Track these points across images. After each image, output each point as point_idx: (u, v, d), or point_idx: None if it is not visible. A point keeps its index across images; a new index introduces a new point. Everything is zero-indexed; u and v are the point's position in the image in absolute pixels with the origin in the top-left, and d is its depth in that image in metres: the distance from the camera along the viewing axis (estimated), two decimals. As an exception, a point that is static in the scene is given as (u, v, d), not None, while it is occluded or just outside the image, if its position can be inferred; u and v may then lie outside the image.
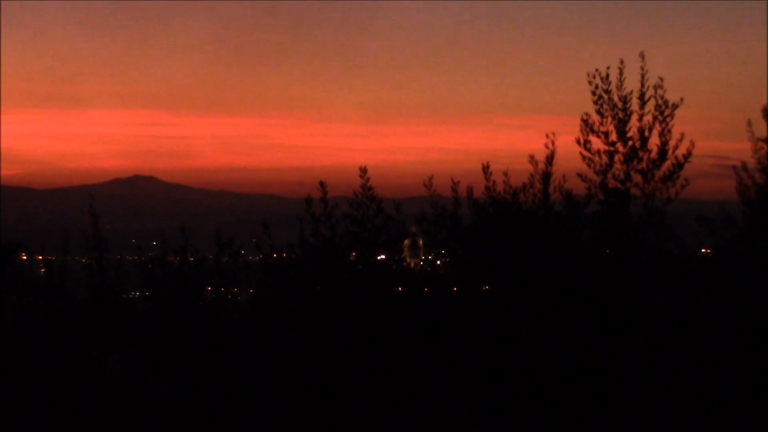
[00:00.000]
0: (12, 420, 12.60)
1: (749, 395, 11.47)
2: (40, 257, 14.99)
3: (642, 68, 12.89)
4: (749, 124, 12.51)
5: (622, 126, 12.88)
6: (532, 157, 13.20)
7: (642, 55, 12.92)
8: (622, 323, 12.37)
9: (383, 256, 13.56)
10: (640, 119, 12.87)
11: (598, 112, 12.94)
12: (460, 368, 12.45)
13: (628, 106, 12.89)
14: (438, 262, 13.92)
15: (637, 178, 12.87)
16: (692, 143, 12.86)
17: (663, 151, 12.79)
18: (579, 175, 13.12)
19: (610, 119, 12.91)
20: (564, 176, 13.23)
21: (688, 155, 12.75)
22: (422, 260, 14.10)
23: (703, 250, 13.76)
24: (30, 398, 12.94)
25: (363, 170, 13.24)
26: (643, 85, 12.87)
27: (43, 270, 14.73)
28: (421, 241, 14.09)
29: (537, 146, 13.36)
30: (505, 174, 13.36)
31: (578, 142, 13.07)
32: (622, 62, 13.09)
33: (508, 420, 11.51)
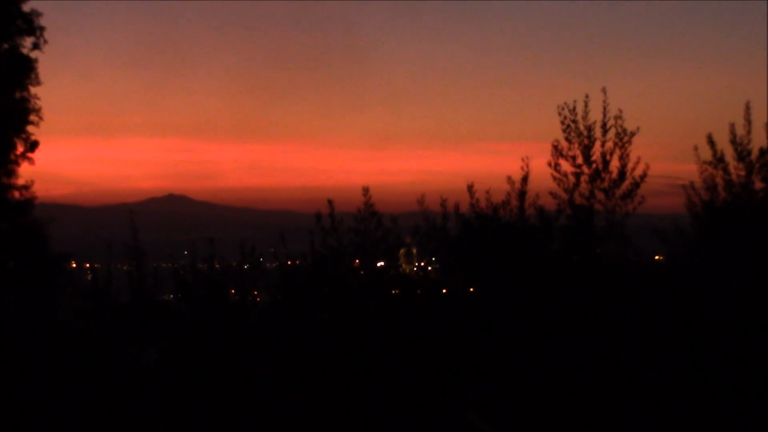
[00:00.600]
0: (65, 403, 12.92)
1: (695, 374, 12.06)
2: (88, 265, 15.30)
3: (604, 101, 13.60)
4: (696, 149, 13.31)
5: (587, 151, 13.53)
6: (509, 177, 13.87)
7: (604, 90, 13.55)
8: (587, 318, 12.91)
9: (382, 263, 14.10)
10: (603, 145, 13.55)
11: (567, 139, 13.65)
12: (450, 358, 12.94)
13: (592, 134, 13.57)
14: (429, 268, 14.63)
15: (600, 195, 13.49)
16: (647, 165, 13.52)
17: (622, 173, 13.45)
18: (550, 193, 13.74)
19: (576, 145, 13.59)
20: (537, 194, 13.87)
21: (643, 176, 13.42)
22: (416, 266, 14.71)
23: (657, 257, 14.56)
24: (80, 386, 13.39)
25: (365, 189, 13.88)
26: (605, 116, 13.56)
27: (90, 276, 15.10)
28: (414, 250, 14.52)
29: (514, 169, 13.98)
30: (487, 192, 13.94)
31: (549, 164, 13.73)
32: (587, 96, 13.73)
33: (487, 390, 12.02)
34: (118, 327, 14.48)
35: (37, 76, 12.73)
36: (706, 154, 13.32)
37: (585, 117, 13.70)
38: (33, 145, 13.14)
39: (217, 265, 14.56)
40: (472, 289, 14.12)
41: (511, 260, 13.84)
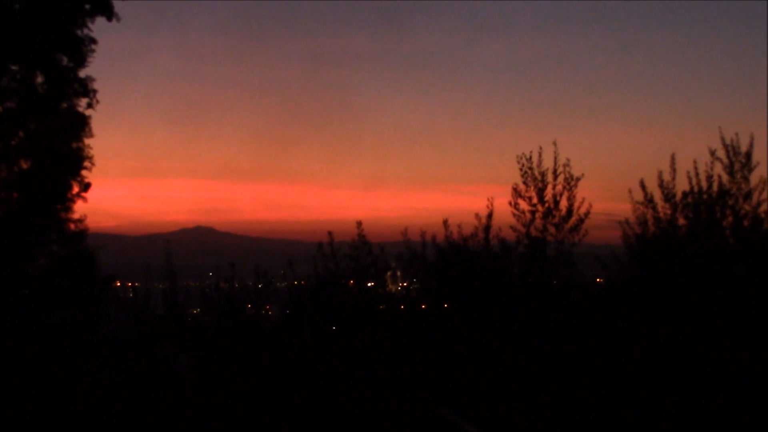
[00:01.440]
0: (111, 399, 13.06)
1: (627, 370, 12.76)
2: (130, 284, 15.80)
3: (555, 152, 14.32)
4: (630, 191, 13.91)
5: (540, 193, 14.25)
6: (477, 214, 14.54)
7: (554, 143, 14.15)
8: (541, 329, 13.57)
9: (372, 283, 14.70)
10: (554, 188, 14.26)
11: (524, 183, 14.33)
12: (427, 362, 13.57)
13: (545, 178, 14.28)
14: (411, 288, 15.14)
15: (552, 229, 14.22)
16: (590, 204, 14.27)
17: (570, 211, 14.20)
18: (510, 227, 14.39)
19: (532, 188, 14.31)
20: (500, 228, 14.54)
21: (587, 213, 14.17)
22: (400, 286, 15.14)
23: (598, 279, 15.18)
24: (124, 385, 13.73)
25: (358, 223, 14.51)
26: (555, 164, 14.26)
27: (132, 294, 15.40)
28: (399, 273, 15.01)
29: (480, 206, 14.64)
30: (458, 226, 14.64)
31: (510, 203, 14.40)
32: (540, 148, 14.34)
33: (458, 388, 12.47)
34: (155, 335, 14.89)
35: (90, 130, 13.24)
36: (639, 195, 13.90)
37: (539, 165, 14.41)
38: (86, 186, 13.45)
39: (236, 285, 14.96)
40: (446, 305, 14.72)
41: (478, 282, 14.43)
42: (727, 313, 13.10)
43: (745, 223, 13.56)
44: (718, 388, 12.19)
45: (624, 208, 14.36)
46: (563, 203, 14.38)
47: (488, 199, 14.72)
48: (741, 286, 13.33)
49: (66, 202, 13.40)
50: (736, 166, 13.51)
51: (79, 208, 13.61)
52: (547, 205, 14.41)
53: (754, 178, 13.58)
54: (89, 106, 13.36)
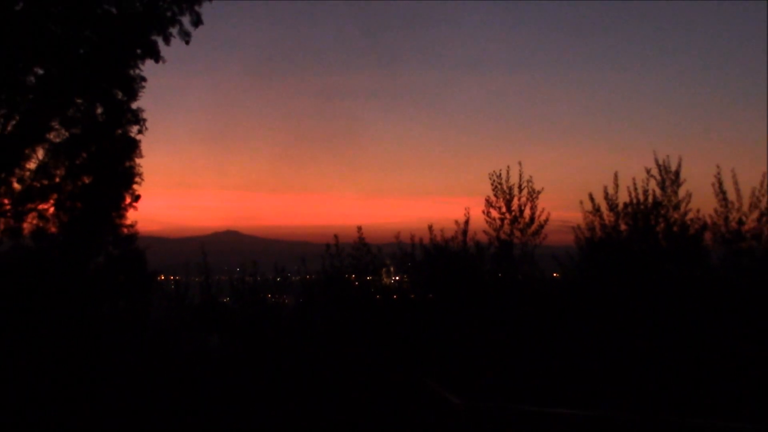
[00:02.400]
0: (158, 374, 13.51)
1: (578, 351, 13.10)
2: (172, 278, 16.14)
3: (520, 170, 14.76)
4: (581, 202, 14.30)
5: (508, 203, 14.67)
6: (456, 221, 14.97)
7: (520, 163, 14.62)
8: (508, 315, 13.87)
9: (370, 277, 15.03)
10: (519, 200, 14.66)
11: (495, 195, 14.79)
12: (415, 341, 13.81)
13: (511, 192, 14.70)
14: (402, 281, 15.59)
15: (517, 233, 14.63)
16: (549, 213, 14.66)
17: (532, 218, 14.61)
18: (484, 231, 14.83)
19: (501, 199, 14.73)
20: (475, 232, 14.90)
21: (546, 220, 14.59)
22: (393, 280, 15.50)
23: (554, 275, 15.43)
24: (168, 362, 14.17)
25: (359, 228, 14.92)
26: (520, 180, 14.67)
27: (173, 286, 15.66)
28: (392, 269, 15.40)
29: (459, 214, 15.11)
30: (441, 231, 14.99)
31: (483, 212, 14.81)
32: (508, 167, 14.74)
33: (441, 364, 12.70)
34: (192, 320, 15.18)
35: (140, 151, 13.52)
36: (588, 206, 14.32)
37: (507, 180, 14.80)
38: (136, 198, 13.78)
39: (258, 278, 15.29)
40: (431, 296, 15.07)
41: (457, 276, 14.74)
42: (660, 302, 13.35)
43: (675, 228, 13.89)
44: (653, 365, 12.52)
45: (576, 216, 14.62)
46: (527, 212, 14.75)
47: (465, 209, 15.19)
48: (672, 281, 13.72)
49: (120, 210, 13.74)
50: (667, 182, 13.90)
51: (131, 216, 14.02)
52: (513, 213, 14.77)
53: (682, 191, 13.82)
54: (139, 132, 13.70)
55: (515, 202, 14.81)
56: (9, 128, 12.63)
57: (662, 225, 14.06)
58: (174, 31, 13.41)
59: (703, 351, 12.59)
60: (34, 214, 13.10)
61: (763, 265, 13.67)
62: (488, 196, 14.98)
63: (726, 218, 13.73)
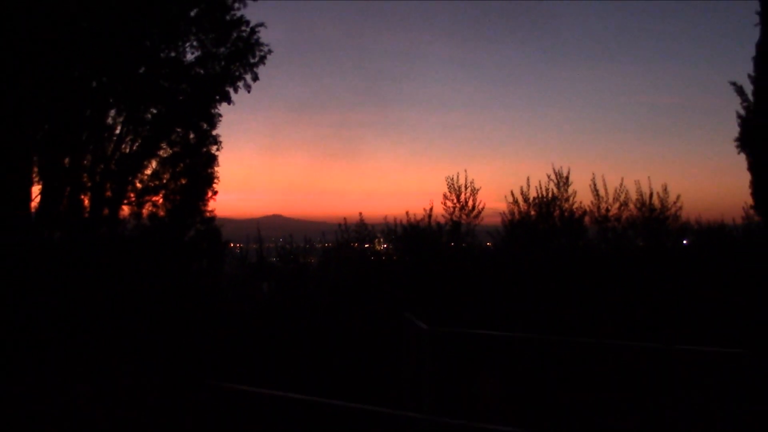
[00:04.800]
0: (229, 311, 13.82)
1: (501, 305, 13.19)
2: (237, 245, 16.60)
3: (466, 175, 15.33)
4: (505, 197, 15.23)
5: (458, 197, 15.26)
6: (424, 209, 15.47)
7: (465, 171, 15.23)
8: (456, 273, 14.14)
9: (367, 245, 15.51)
10: (465, 194, 15.27)
11: (450, 191, 15.35)
12: (397, 288, 13.97)
13: (460, 189, 15.29)
14: (388, 248, 15.85)
15: (464, 217, 15.21)
16: (485, 204, 15.22)
17: (473, 207, 15.21)
18: (442, 215, 15.38)
19: (454, 194, 15.32)
20: (437, 216, 15.41)
21: (482, 208, 15.19)
22: (383, 247, 15.85)
23: (488, 244, 15.80)
24: (235, 302, 14.51)
25: (360, 213, 15.48)
26: (466, 181, 15.27)
27: (238, 251, 16.25)
28: (382, 240, 15.73)
29: (427, 205, 15.68)
30: (414, 215, 15.44)
31: (442, 203, 15.41)
32: (457, 174, 15.33)
33: (414, 304, 12.21)
34: (251, 274, 15.39)
35: (217, 162, 13.83)
36: (510, 198, 15.20)
37: (457, 182, 15.35)
38: (214, 193, 14.05)
39: (293, 246, 15.61)
40: (407, 258, 15.35)
41: (424, 245, 15.17)
42: (555, 263, 14.20)
43: (565, 214, 14.56)
44: (550, 301, 13.02)
45: (503, 206, 15.30)
46: (470, 203, 15.29)
47: (430, 201, 15.66)
48: (563, 249, 14.79)
49: (204, 201, 14.07)
50: (561, 183, 14.93)
51: (211, 205, 14.21)
52: (461, 203, 15.33)
53: (570, 190, 14.81)
54: (217, 149, 14.01)
55: (462, 196, 15.34)
56: (134, 148, 13.14)
57: (557, 212, 14.71)
58: (240, 84, 13.77)
59: (580, 291, 13.23)
60: (149, 203, 13.54)
61: (622, 238, 14.83)
62: (445, 192, 15.48)
63: (598, 207, 14.67)
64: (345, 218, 15.52)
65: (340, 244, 15.45)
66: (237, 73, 13.82)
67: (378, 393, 9.93)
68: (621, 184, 14.85)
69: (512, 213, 15.20)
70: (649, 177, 14.88)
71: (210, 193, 14.36)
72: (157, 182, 13.63)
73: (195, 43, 13.50)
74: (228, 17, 13.58)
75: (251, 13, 19.98)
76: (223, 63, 13.74)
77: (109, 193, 13.04)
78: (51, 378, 9.40)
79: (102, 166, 12.97)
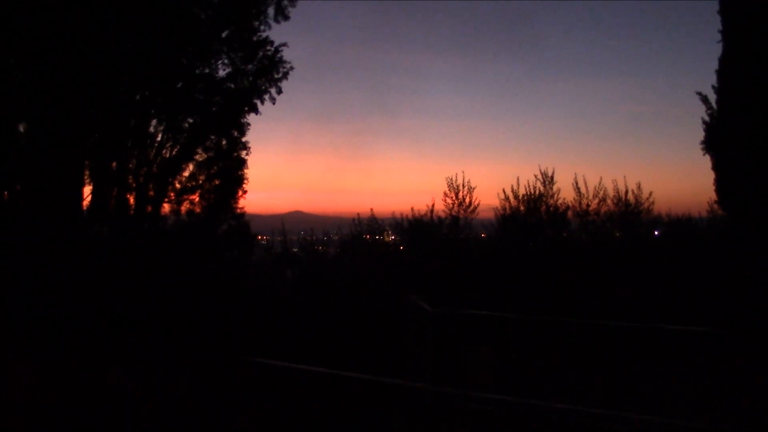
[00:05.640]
0: (258, 290, 13.86)
1: (498, 284, 13.37)
2: (265, 238, 16.24)
3: (464, 176, 15.40)
4: (498, 194, 15.15)
5: (457, 195, 15.25)
6: (427, 205, 15.45)
7: (463, 172, 15.29)
8: (455, 260, 14.30)
9: (377, 237, 15.43)
10: (463, 192, 15.27)
11: (449, 189, 15.34)
12: (404, 274, 13.79)
13: (459, 188, 15.27)
14: (396, 239, 15.80)
15: (462, 212, 15.22)
16: (480, 200, 15.21)
17: (470, 203, 15.20)
18: (443, 210, 15.36)
19: (453, 193, 15.30)
20: (438, 211, 15.40)
21: (478, 204, 15.18)
22: (391, 238, 15.76)
23: (482, 235, 15.80)
24: (264, 285, 14.47)
25: (371, 209, 15.43)
26: (464, 181, 15.27)
27: (264, 242, 15.96)
28: (390, 232, 15.70)
29: (430, 202, 15.53)
30: (418, 211, 15.41)
31: (443, 200, 15.40)
32: (456, 175, 15.54)
33: (419, 287, 11.91)
34: (276, 262, 15.40)
35: (246, 165, 13.75)
36: (502, 195, 15.16)
37: (455, 181, 15.34)
38: (244, 192, 13.91)
39: (313, 238, 15.69)
40: (413, 247, 15.17)
41: (426, 236, 15.15)
42: (540, 254, 14.08)
43: (551, 209, 14.83)
44: (531, 279, 13.09)
45: (496, 202, 15.23)
46: (467, 199, 15.31)
47: (432, 198, 15.53)
48: (548, 240, 15.02)
49: (235, 199, 13.99)
50: (547, 182, 14.98)
51: (241, 202, 14.12)
52: (459, 200, 15.35)
53: (555, 188, 14.93)
54: (246, 154, 13.97)
55: (460, 194, 15.38)
56: (173, 153, 13.19)
57: (544, 207, 14.74)
58: (266, 97, 13.75)
59: (563, 276, 13.28)
60: (187, 202, 13.52)
61: (601, 229, 14.91)
62: (445, 191, 15.51)
63: (580, 203, 14.74)
64: (358, 213, 15.51)
65: (354, 236, 15.39)
66: (263, 88, 13.83)
67: (385, 365, 9.93)
68: (600, 183, 14.98)
69: (504, 208, 15.16)
70: (624, 176, 15.13)
71: (240, 193, 14.29)
72: (193, 183, 13.62)
73: (226, 61, 13.54)
74: (255, 38, 13.63)
75: (275, 34, 20.07)
76: (251, 78, 13.76)
77: (151, 193, 13.08)
78: (105, 353, 9.57)
79: (145, 169, 13.03)
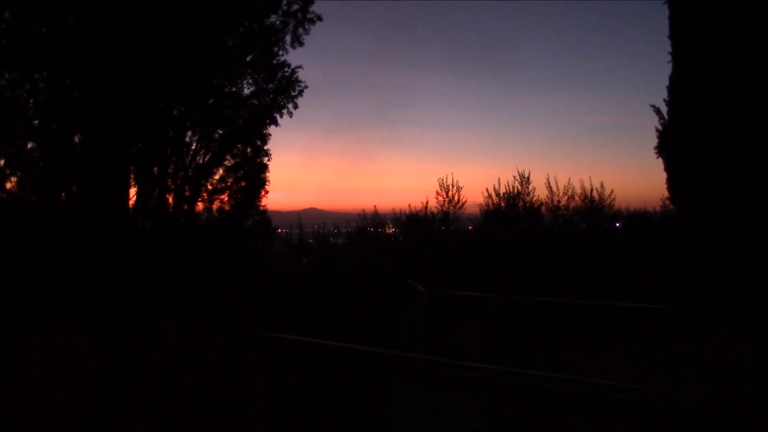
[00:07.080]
0: (279, 277, 13.64)
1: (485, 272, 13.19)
2: (284, 231, 15.84)
3: (453, 177, 15.12)
4: (482, 193, 14.91)
5: (447, 193, 15.05)
6: (422, 202, 15.30)
7: (452, 174, 15.58)
8: (446, 250, 13.81)
9: (380, 230, 15.31)
10: (452, 191, 15.05)
11: (441, 189, 15.15)
12: (403, 263, 13.65)
13: (449, 188, 15.06)
14: (396, 232, 15.65)
15: (451, 208, 15.03)
16: (467, 198, 15.02)
17: (458, 200, 15.01)
18: (435, 207, 15.19)
19: (444, 191, 15.10)
20: (431, 207, 15.23)
21: (465, 201, 15.00)
22: (391, 231, 15.62)
23: (469, 228, 15.52)
24: (282, 272, 14.17)
25: (375, 206, 15.27)
26: (452, 182, 15.06)
27: (284, 235, 15.59)
28: (391, 225, 15.59)
29: (424, 199, 15.29)
30: (414, 207, 15.26)
31: (435, 198, 15.22)
32: (446, 176, 15.38)
33: (415, 274, 11.69)
34: (293, 252, 15.28)
35: (268, 169, 13.30)
36: (486, 194, 14.87)
37: (446, 182, 15.17)
38: (266, 192, 13.46)
39: (326, 231, 15.62)
40: (409, 238, 15.10)
41: (421, 229, 14.96)
42: (518, 243, 13.99)
43: (527, 205, 14.69)
44: (515, 269, 12.93)
45: (481, 199, 15.06)
46: (456, 197, 15.10)
47: (427, 196, 15.65)
48: (525, 231, 14.89)
49: (259, 198, 13.61)
50: (524, 182, 14.81)
51: (264, 201, 13.71)
52: (449, 197, 15.19)
53: (531, 186, 14.90)
54: (268, 160, 13.54)
55: (450, 192, 15.23)
56: (206, 159, 12.97)
57: (521, 203, 14.67)
58: (284, 111, 13.44)
59: (538, 262, 13.13)
60: (217, 201, 13.23)
61: (570, 222, 14.67)
62: (437, 190, 15.35)
63: (552, 199, 14.64)
64: (363, 210, 15.47)
65: (360, 229, 15.35)
66: (282, 103, 13.59)
67: (386, 339, 9.79)
68: (569, 182, 15.00)
69: (487, 204, 15.15)
70: (590, 177, 15.01)
71: (263, 193, 14.00)
72: (223, 185, 13.41)
73: (250, 81, 13.36)
74: (274, 61, 13.43)
75: (292, 58, 19.77)
76: (271, 95, 13.56)
77: (187, 193, 12.91)
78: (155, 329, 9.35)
79: (182, 173, 12.87)
